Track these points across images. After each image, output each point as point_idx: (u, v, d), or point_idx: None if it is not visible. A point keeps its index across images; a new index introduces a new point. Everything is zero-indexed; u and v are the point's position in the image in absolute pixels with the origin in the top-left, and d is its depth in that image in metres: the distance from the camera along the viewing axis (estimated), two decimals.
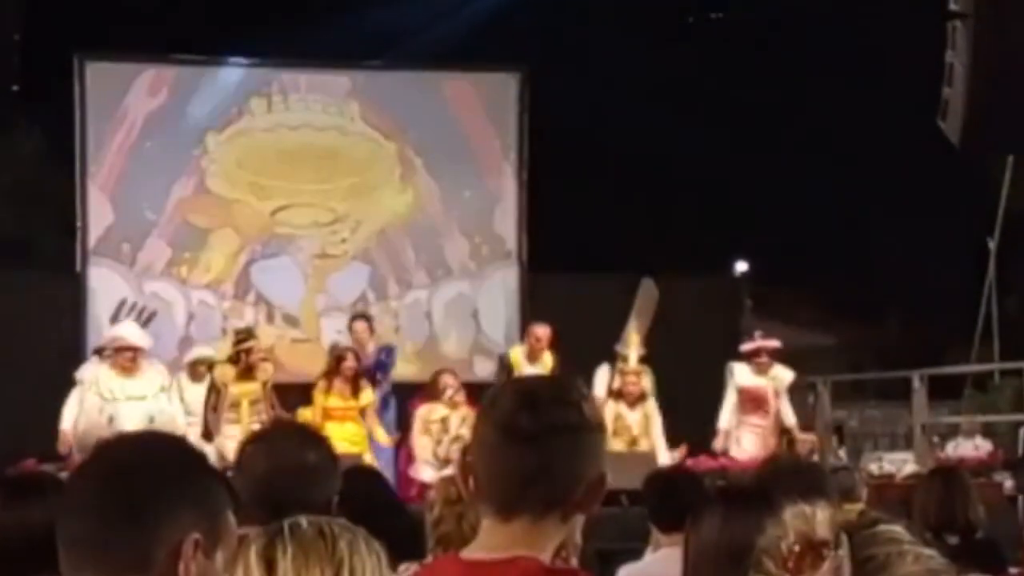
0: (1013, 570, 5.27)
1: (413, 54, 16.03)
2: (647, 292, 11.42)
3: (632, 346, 10.96)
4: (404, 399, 11.65)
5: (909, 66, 16.85)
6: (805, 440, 11.34)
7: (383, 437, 10.74)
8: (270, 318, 13.40)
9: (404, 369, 12.71)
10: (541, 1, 19.48)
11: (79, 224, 13.28)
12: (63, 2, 18.47)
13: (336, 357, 10.76)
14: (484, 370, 13.35)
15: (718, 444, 11.00)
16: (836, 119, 21.39)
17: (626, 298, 11.53)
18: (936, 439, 14.31)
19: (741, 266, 21.05)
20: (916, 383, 13.43)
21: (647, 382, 10.95)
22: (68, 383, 10.30)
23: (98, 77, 13.39)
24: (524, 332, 12.17)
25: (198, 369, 10.79)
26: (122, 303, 12.77)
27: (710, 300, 13.76)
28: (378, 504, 4.01)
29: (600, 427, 2.19)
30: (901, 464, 11.60)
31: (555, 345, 11.08)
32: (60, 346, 12.36)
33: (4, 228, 18.03)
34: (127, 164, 13.37)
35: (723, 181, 21.42)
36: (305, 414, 10.25)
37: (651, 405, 10.94)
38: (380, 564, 2.03)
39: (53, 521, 1.89)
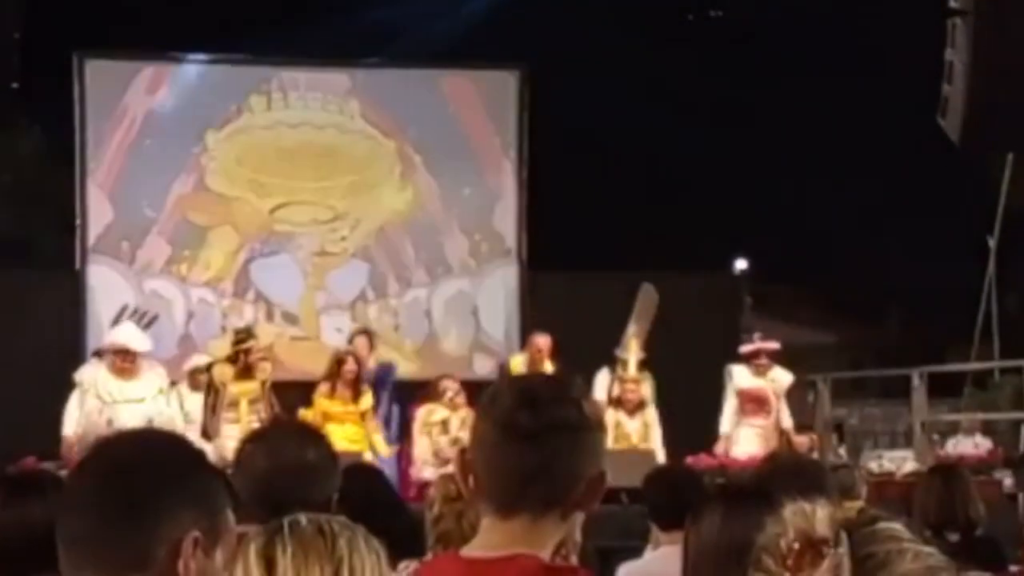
0: (1013, 568, 5.28)
1: (413, 52, 16.06)
2: (647, 297, 11.39)
3: (631, 352, 10.95)
4: (405, 403, 11.68)
5: (909, 64, 16.86)
6: (801, 442, 11.36)
7: (383, 448, 10.70)
8: (269, 316, 13.39)
9: (404, 367, 12.72)
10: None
11: (79, 222, 13.26)
12: (63, 1, 18.49)
13: (336, 360, 10.76)
14: (484, 368, 13.36)
15: (719, 449, 11.00)
16: (836, 118, 21.41)
17: (626, 296, 11.52)
18: (936, 437, 14.31)
19: (741, 264, 21.07)
20: (916, 381, 13.43)
21: (646, 389, 10.95)
22: (68, 382, 10.28)
23: (98, 75, 13.38)
24: (524, 334, 12.17)
25: (197, 378, 10.78)
26: (123, 308, 12.75)
27: (710, 298, 13.74)
28: (378, 502, 4.00)
29: (600, 425, 2.19)
30: (901, 462, 11.59)
31: (556, 355, 11.05)
32: (60, 345, 12.35)
33: (4, 227, 18.05)
34: (127, 162, 13.36)
35: (723, 181, 21.44)
36: (306, 415, 10.24)
37: (651, 413, 10.94)
38: (380, 562, 2.03)
39: (53, 519, 1.89)
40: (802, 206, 21.21)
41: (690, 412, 11.02)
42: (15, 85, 14.91)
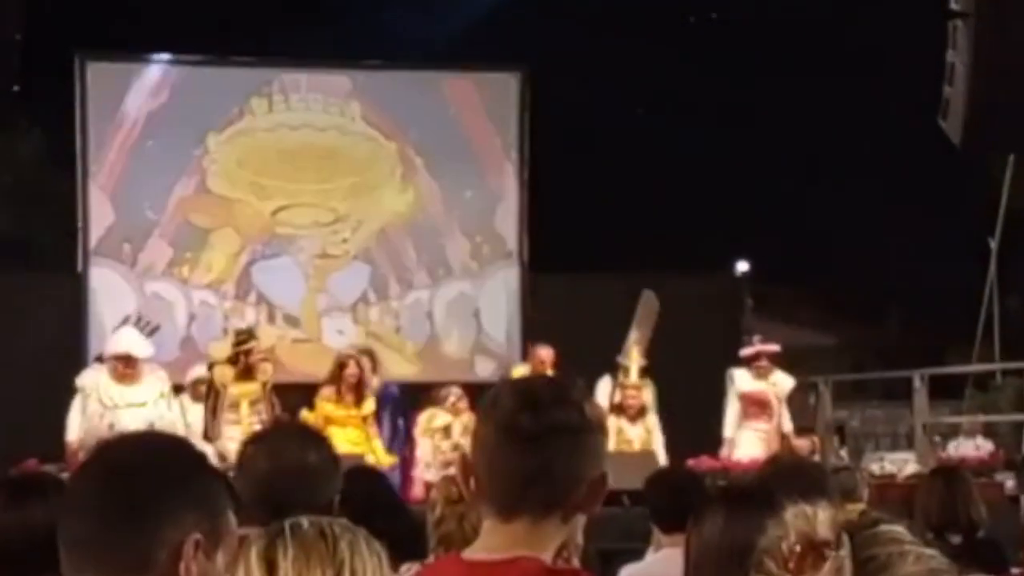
0: (1015, 570, 5.28)
1: (414, 54, 16.04)
2: (648, 303, 11.39)
3: (633, 359, 10.95)
4: (407, 409, 11.67)
5: (910, 65, 16.84)
6: (801, 446, 11.37)
7: (383, 456, 10.67)
8: (271, 318, 13.39)
9: (405, 369, 12.72)
10: (542, 1, 19.50)
11: (80, 224, 13.26)
12: (64, 2, 18.49)
13: (339, 364, 10.74)
14: (485, 370, 13.37)
15: (723, 454, 11.00)
16: (837, 119, 21.40)
17: (627, 298, 11.52)
18: (937, 439, 14.30)
19: (742, 266, 21.03)
20: (917, 383, 13.41)
21: (648, 396, 10.96)
22: (69, 385, 10.27)
23: (99, 77, 13.38)
24: (526, 336, 12.15)
25: (199, 388, 10.78)
26: (126, 319, 12.74)
27: (711, 300, 13.75)
28: (379, 504, 4.01)
29: (601, 427, 2.19)
30: (902, 464, 11.58)
31: (558, 366, 11.05)
32: (61, 346, 12.35)
33: (4, 228, 18.06)
34: (128, 164, 13.36)
35: (723, 181, 21.43)
36: (307, 418, 10.23)
37: (652, 420, 10.95)
38: (381, 564, 2.03)
39: (54, 522, 1.89)
40: (803, 207, 21.21)
41: (691, 413, 11.03)
42: (16, 87, 14.88)
